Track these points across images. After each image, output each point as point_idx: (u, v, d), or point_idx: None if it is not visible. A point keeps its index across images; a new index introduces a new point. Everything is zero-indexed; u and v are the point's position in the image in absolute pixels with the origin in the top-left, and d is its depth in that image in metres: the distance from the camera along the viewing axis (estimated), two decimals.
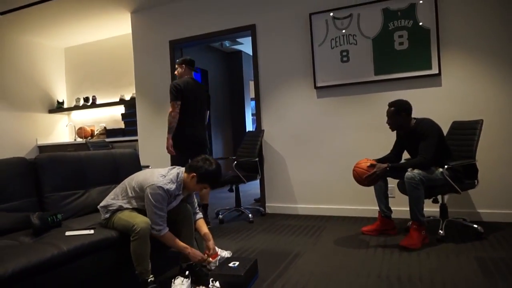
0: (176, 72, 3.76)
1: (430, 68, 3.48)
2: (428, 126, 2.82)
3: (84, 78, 6.40)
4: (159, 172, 2.20)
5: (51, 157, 2.48)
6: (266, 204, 4.25)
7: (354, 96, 3.81)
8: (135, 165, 3.04)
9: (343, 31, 3.81)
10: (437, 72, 3.45)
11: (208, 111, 3.89)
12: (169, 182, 2.15)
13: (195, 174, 2.19)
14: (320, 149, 3.97)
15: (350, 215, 3.83)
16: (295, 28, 4.05)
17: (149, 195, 2.08)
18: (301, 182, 4.07)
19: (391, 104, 2.92)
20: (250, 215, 3.84)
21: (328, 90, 3.92)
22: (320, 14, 3.89)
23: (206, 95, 3.80)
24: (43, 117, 6.15)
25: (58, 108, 6.25)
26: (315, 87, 3.95)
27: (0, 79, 5.54)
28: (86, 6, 4.76)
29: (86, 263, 1.94)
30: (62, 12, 4.92)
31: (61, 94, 6.49)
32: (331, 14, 3.83)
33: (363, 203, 3.78)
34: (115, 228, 2.12)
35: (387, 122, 2.96)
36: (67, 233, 2.02)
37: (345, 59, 3.82)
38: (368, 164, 2.84)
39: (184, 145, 3.55)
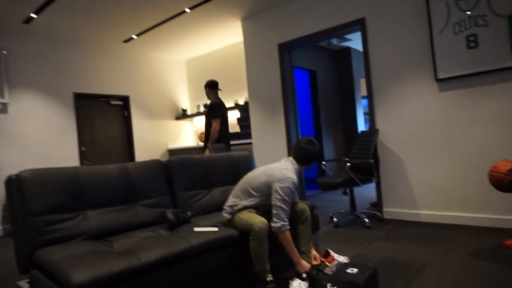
0: (206, 95, 4.53)
1: None
2: None
3: (203, 86, 7.01)
4: (279, 167, 2.30)
5: (181, 159, 2.77)
6: (384, 209, 4.00)
7: (486, 87, 3.31)
8: (251, 167, 3.19)
9: (468, 12, 3.34)
10: None
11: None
12: (294, 172, 2.28)
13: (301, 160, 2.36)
14: (446, 148, 3.56)
15: (488, 225, 3.33)
16: (409, 16, 3.73)
17: (278, 189, 2.18)
18: (424, 186, 3.71)
19: None
20: (366, 220, 3.66)
21: (453, 81, 3.49)
22: None
23: (227, 110, 4.56)
24: (171, 124, 6.96)
25: (183, 115, 7.00)
26: (436, 80, 3.55)
27: (138, 92, 6.46)
28: (201, 19, 5.20)
29: (211, 258, 2.10)
30: (182, 28, 5.48)
31: (185, 102, 7.24)
32: None
33: (505, 212, 3.25)
34: (236, 227, 2.25)
35: None
36: (196, 229, 2.22)
37: (472, 44, 3.34)
38: (509, 167, 2.42)
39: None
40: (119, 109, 6.30)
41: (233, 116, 6.38)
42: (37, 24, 4.90)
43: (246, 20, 5.30)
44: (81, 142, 5.66)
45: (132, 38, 5.78)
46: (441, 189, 3.59)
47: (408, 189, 3.81)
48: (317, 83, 6.71)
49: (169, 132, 6.90)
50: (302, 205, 2.42)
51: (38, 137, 5.21)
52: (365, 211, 4.13)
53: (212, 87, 4.46)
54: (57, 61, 5.49)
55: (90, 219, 2.16)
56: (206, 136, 4.42)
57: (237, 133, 6.02)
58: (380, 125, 4.00)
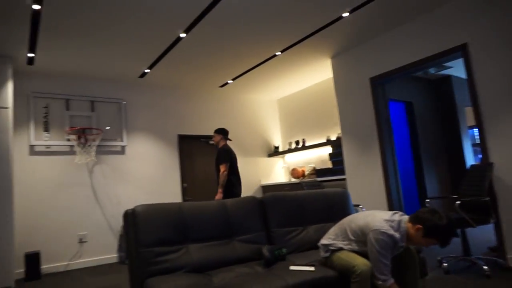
0: (213, 140, 4.78)
1: None
2: None
3: (294, 123, 7.14)
4: (381, 216, 2.09)
5: (275, 196, 2.81)
6: (508, 256, 3.43)
7: None
8: (347, 204, 3.07)
9: None
10: None
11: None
12: (392, 229, 2.02)
13: (420, 226, 1.98)
14: None
15: None
16: None
17: (373, 240, 1.99)
18: None
19: None
20: (485, 267, 3.17)
21: None
22: None
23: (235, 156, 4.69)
24: (264, 161, 7.17)
25: (275, 152, 7.17)
26: None
27: (233, 131, 6.86)
28: (291, 61, 5.39)
29: None
30: (273, 70, 5.74)
31: (277, 139, 7.43)
32: None
33: None
34: (334, 267, 2.15)
35: None
36: (291, 268, 2.19)
37: None
38: None
39: (231, 197, 4.10)
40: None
41: (325, 152, 6.31)
42: (149, 77, 5.65)
43: (336, 57, 5.33)
44: (183, 179, 6.15)
45: (227, 83, 6.25)
46: None
47: None
48: (414, 115, 6.29)
49: (261, 169, 7.10)
50: (408, 248, 2.21)
51: (148, 174, 5.82)
52: (482, 257, 3.59)
53: (225, 134, 4.74)
54: (165, 107, 6.19)
55: (191, 253, 2.29)
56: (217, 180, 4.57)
57: (329, 169, 5.90)
58: (494, 158, 3.54)
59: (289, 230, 2.73)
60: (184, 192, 6.13)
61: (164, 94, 6.22)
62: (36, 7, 3.37)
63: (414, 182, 6.07)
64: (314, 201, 2.94)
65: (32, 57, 4.52)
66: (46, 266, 4.79)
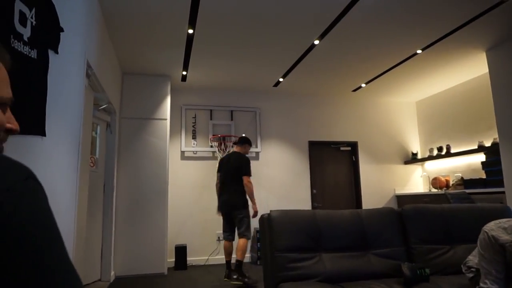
0: (246, 150, 4.55)
1: None
2: None
3: (436, 127, 6.41)
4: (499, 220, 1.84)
5: (416, 208, 2.55)
6: None
7: None
8: None
9: None
10: None
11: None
12: (504, 230, 1.74)
13: None
14: None
15: None
16: None
17: (478, 243, 1.84)
18: None
19: None
20: None
21: None
22: None
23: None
24: (399, 168, 6.63)
25: (413, 159, 6.56)
26: None
27: (366, 137, 6.57)
28: (434, 58, 4.85)
29: None
30: (412, 70, 5.26)
31: (415, 145, 6.79)
32: None
33: None
34: None
35: None
36: None
37: None
38: None
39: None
40: (347, 154, 6.55)
41: (475, 160, 5.48)
42: (282, 86, 5.87)
43: (493, 49, 4.56)
44: (313, 185, 6.17)
45: (360, 87, 6.02)
46: None
47: None
48: None
49: (396, 177, 6.58)
50: None
51: (279, 179, 6.04)
52: None
53: (239, 143, 4.59)
54: (296, 114, 6.34)
55: (325, 262, 2.26)
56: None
57: (481, 179, 5.08)
58: None
59: (433, 248, 2.44)
60: (313, 198, 6.14)
61: (296, 101, 6.37)
62: (190, 31, 3.89)
63: None
64: (464, 217, 2.56)
65: (185, 74, 5.22)
66: (190, 259, 5.39)
